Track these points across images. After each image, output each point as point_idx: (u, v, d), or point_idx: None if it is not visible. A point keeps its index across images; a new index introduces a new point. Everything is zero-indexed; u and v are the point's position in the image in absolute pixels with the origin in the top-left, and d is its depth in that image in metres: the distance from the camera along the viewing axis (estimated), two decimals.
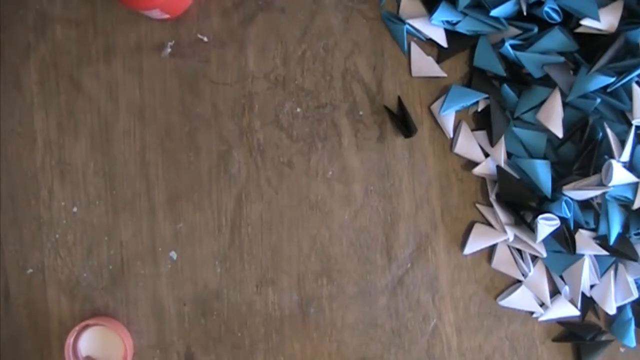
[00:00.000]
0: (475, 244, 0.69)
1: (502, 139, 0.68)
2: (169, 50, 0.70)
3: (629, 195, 0.64)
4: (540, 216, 0.65)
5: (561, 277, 0.69)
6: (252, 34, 0.70)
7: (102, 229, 0.70)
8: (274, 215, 0.70)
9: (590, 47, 0.65)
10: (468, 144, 0.69)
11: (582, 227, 0.67)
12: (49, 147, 0.70)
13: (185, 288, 0.70)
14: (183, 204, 0.70)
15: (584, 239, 0.66)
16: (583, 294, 0.68)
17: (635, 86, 0.63)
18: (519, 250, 0.69)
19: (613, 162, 0.63)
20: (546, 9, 0.64)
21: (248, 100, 0.70)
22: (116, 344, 0.67)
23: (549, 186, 0.66)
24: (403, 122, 0.69)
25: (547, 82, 0.66)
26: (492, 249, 0.70)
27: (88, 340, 0.68)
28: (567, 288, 0.68)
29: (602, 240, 0.66)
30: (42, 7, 0.70)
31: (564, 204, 0.65)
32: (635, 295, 0.67)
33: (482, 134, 0.69)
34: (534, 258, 0.69)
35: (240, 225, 0.70)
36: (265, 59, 0.70)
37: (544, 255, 0.67)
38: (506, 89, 0.68)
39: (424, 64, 0.69)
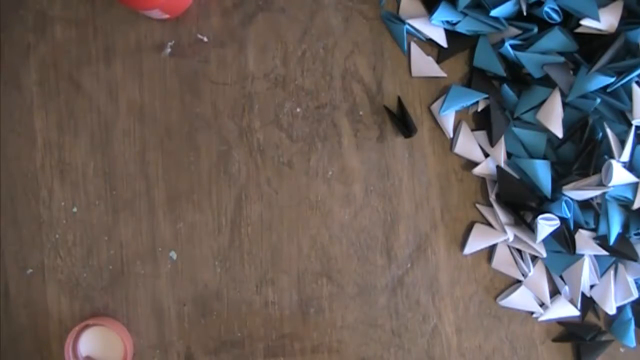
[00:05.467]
0: (475, 244, 0.69)
1: (502, 139, 0.68)
2: (169, 50, 0.70)
3: (629, 195, 0.64)
4: (540, 216, 0.65)
5: (561, 277, 0.69)
6: (252, 34, 0.70)
7: (102, 229, 0.70)
8: (274, 215, 0.70)
9: (590, 47, 0.65)
10: (468, 144, 0.69)
11: (582, 227, 0.67)
12: (49, 147, 0.70)
13: (185, 288, 0.70)
14: (183, 204, 0.70)
15: (584, 239, 0.66)
16: (583, 294, 0.68)
17: (635, 86, 0.63)
18: (519, 250, 0.69)
19: (613, 162, 0.63)
20: (546, 9, 0.64)
21: (248, 100, 0.70)
22: (116, 344, 0.67)
23: (549, 186, 0.66)
24: (403, 122, 0.69)
25: (547, 82, 0.66)
26: (492, 249, 0.70)
27: (88, 340, 0.68)
28: (567, 288, 0.68)
29: (602, 240, 0.66)
30: (42, 7, 0.70)
31: (564, 204, 0.65)
32: (635, 295, 0.67)
33: (482, 134, 0.69)
34: (534, 258, 0.69)
35: (240, 225, 0.70)
36: (265, 59, 0.70)
37: (544, 255, 0.67)
38: (506, 89, 0.68)
39: (424, 64, 0.69)
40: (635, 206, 0.64)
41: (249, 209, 0.70)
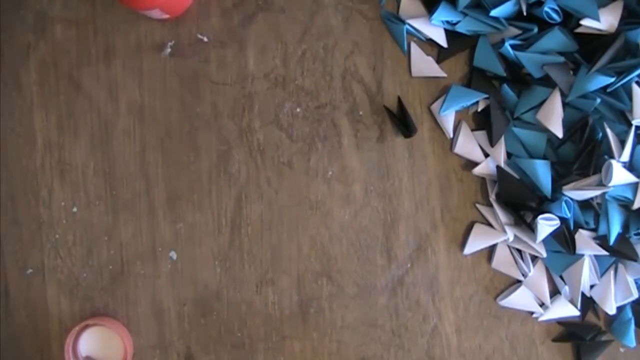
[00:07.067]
0: (475, 244, 0.69)
1: (502, 139, 0.68)
2: (169, 50, 0.70)
3: (629, 195, 0.64)
4: (540, 216, 0.65)
5: (561, 277, 0.69)
6: (252, 34, 0.70)
7: (102, 229, 0.70)
8: (274, 215, 0.70)
9: (590, 47, 0.65)
10: (468, 144, 0.69)
11: (582, 227, 0.67)
12: (49, 147, 0.70)
13: (185, 288, 0.70)
14: (183, 204, 0.70)
15: (584, 239, 0.66)
16: (583, 294, 0.68)
17: (635, 86, 0.63)
18: (519, 250, 0.69)
19: (613, 162, 0.63)
20: (546, 9, 0.64)
21: (248, 100, 0.70)
22: (116, 344, 0.67)
23: (549, 186, 0.66)
24: (403, 122, 0.69)
25: (547, 82, 0.66)
26: (492, 249, 0.70)
27: (88, 340, 0.68)
28: (567, 288, 0.68)
29: (602, 240, 0.66)
30: (42, 7, 0.70)
31: (564, 204, 0.65)
32: (635, 295, 0.67)
33: (482, 134, 0.69)
34: (534, 258, 0.69)
35: (240, 225, 0.70)
36: (265, 59, 0.70)
37: (544, 255, 0.67)
38: (506, 89, 0.68)
39: (424, 64, 0.69)
40: (635, 206, 0.64)
41: (249, 209, 0.70)
